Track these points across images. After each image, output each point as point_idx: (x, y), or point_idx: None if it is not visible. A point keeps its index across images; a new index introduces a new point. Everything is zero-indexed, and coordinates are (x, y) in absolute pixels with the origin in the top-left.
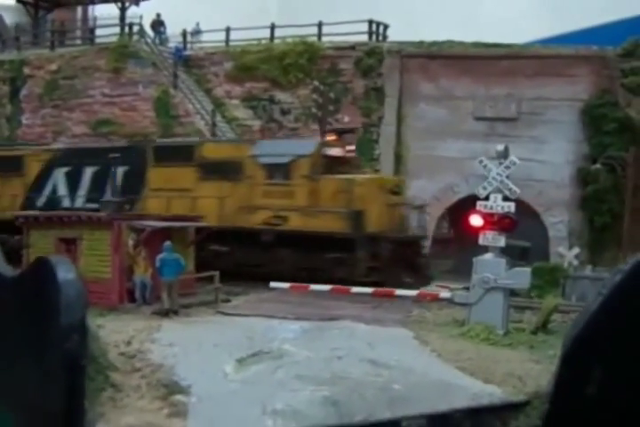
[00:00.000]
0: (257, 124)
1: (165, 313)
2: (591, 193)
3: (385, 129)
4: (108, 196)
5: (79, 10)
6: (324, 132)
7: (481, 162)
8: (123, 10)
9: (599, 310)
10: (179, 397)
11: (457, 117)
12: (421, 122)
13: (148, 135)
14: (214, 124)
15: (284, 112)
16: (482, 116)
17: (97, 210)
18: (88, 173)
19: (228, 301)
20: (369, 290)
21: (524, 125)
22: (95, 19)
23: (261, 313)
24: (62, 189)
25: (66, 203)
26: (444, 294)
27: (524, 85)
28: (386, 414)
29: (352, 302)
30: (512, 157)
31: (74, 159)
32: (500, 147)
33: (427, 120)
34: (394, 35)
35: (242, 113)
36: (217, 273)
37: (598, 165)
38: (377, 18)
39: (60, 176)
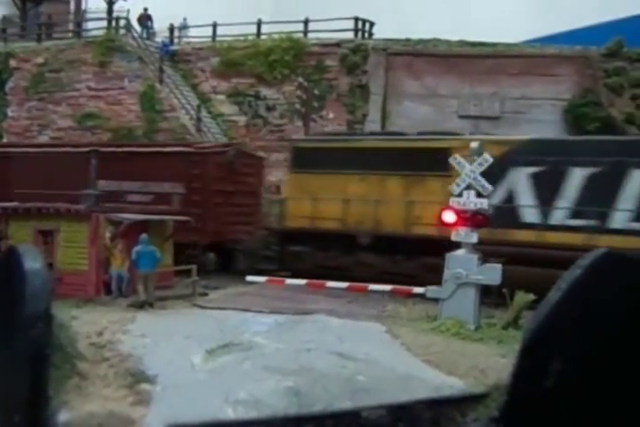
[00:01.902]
0: (242, 119)
1: (141, 305)
2: None
3: (369, 126)
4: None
5: (72, 3)
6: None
7: (455, 159)
8: (110, 4)
9: (558, 303)
10: (144, 386)
11: (441, 115)
12: (406, 119)
13: (132, 129)
14: (199, 120)
15: (270, 108)
16: (466, 114)
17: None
18: (577, 175)
19: (206, 294)
20: (344, 284)
21: (508, 124)
22: (84, 12)
23: (237, 306)
24: (527, 197)
25: (532, 217)
26: (418, 289)
27: (508, 84)
28: (346, 405)
29: (328, 296)
30: (485, 155)
31: (549, 155)
32: (475, 144)
33: (411, 118)
34: (385, 33)
35: (227, 109)
36: (194, 267)
37: None
38: (371, 16)
39: (522, 178)
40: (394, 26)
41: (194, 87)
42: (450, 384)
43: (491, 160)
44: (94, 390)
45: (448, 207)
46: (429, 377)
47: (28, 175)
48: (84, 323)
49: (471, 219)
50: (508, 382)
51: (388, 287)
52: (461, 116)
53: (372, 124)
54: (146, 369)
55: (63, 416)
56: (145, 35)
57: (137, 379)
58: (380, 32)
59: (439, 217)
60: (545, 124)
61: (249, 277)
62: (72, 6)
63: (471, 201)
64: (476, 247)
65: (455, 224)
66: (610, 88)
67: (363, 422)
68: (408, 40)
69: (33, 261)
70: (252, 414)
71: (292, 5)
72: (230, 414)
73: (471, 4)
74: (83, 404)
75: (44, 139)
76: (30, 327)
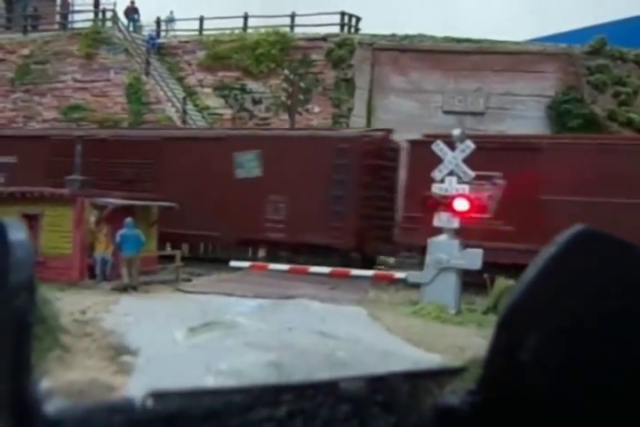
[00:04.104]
0: (228, 112)
1: (124, 289)
2: None
3: (354, 120)
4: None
5: None
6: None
7: (437, 145)
8: None
9: (533, 279)
10: (126, 357)
11: (426, 111)
12: (391, 114)
13: (117, 121)
14: (185, 112)
15: (256, 101)
16: (451, 109)
17: None
18: None
19: (189, 280)
20: (326, 270)
21: (492, 120)
22: (71, 4)
23: (220, 291)
24: None
25: None
26: (399, 274)
27: (493, 80)
28: (325, 376)
29: (312, 282)
30: (467, 142)
31: None
32: (457, 131)
33: (396, 112)
34: (376, 28)
35: (213, 102)
36: (178, 252)
37: None
38: (362, 11)
39: None
40: (384, 21)
41: (180, 80)
42: (428, 359)
43: (473, 146)
44: (76, 361)
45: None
46: (409, 353)
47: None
48: (67, 303)
49: (453, 204)
50: (484, 357)
51: (369, 273)
52: (446, 112)
53: (358, 118)
54: (128, 343)
55: (45, 384)
56: (131, 27)
57: (119, 352)
58: (371, 27)
59: (423, 204)
60: (529, 121)
61: (232, 263)
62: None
63: (453, 187)
64: None
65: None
66: (592, 85)
67: (341, 392)
68: (394, 35)
69: (17, 233)
70: (231, 382)
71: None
72: (211, 381)
73: (462, 2)
74: (64, 373)
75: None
76: (14, 297)
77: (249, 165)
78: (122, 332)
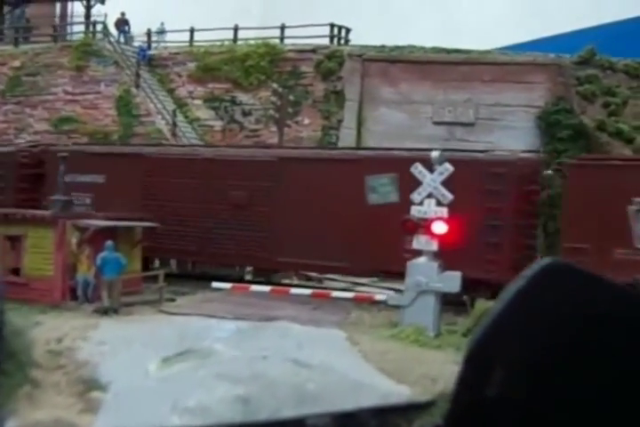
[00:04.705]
0: (218, 124)
1: (105, 311)
2: (545, 199)
3: (344, 132)
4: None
5: (58, 6)
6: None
7: (416, 168)
8: (88, 8)
9: (501, 313)
10: (95, 393)
11: (416, 122)
12: (381, 125)
13: (108, 134)
14: (175, 125)
15: (246, 113)
16: (440, 120)
17: None
18: None
19: (173, 300)
20: (307, 291)
21: (482, 131)
22: (71, 16)
23: (202, 313)
24: None
25: None
26: (380, 296)
27: (482, 91)
28: (292, 413)
29: (294, 303)
30: (446, 164)
31: None
32: (436, 153)
33: (386, 124)
34: (370, 39)
35: (204, 113)
36: (162, 272)
37: (550, 171)
38: (357, 23)
39: None
40: (377, 32)
41: (170, 92)
42: (398, 392)
43: (451, 169)
44: (45, 398)
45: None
46: (379, 385)
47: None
48: (46, 329)
49: (431, 227)
50: (451, 391)
51: (350, 295)
52: (436, 123)
53: (348, 129)
54: (99, 377)
55: (11, 425)
56: (123, 39)
57: (89, 386)
58: (364, 38)
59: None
60: (518, 131)
61: (214, 284)
62: (58, 10)
63: (431, 209)
64: None
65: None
66: (582, 96)
67: None
68: (383, 46)
69: None
70: (197, 422)
71: (281, 11)
72: (176, 421)
73: (457, 10)
74: (31, 412)
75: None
76: None
77: (383, 190)
78: (95, 363)
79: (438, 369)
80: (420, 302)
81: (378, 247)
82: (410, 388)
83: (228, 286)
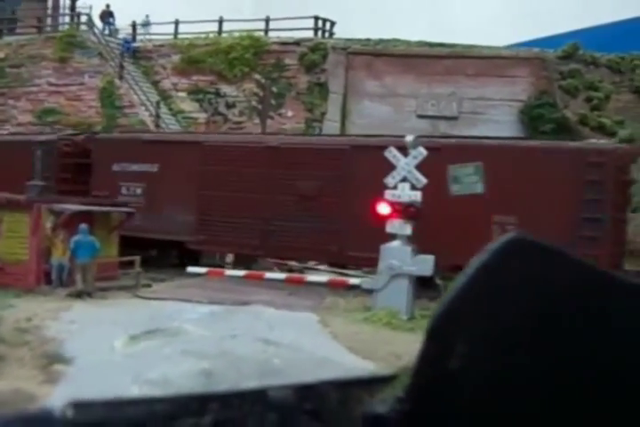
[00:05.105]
0: (202, 116)
1: (78, 295)
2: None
3: (328, 125)
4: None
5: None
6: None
7: (390, 152)
8: (73, 0)
9: (463, 287)
10: (58, 366)
11: (400, 115)
12: (365, 118)
13: (91, 125)
14: (158, 116)
15: (230, 106)
16: (424, 114)
17: None
18: None
19: (149, 286)
20: (282, 276)
21: (465, 124)
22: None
23: (178, 297)
24: None
25: None
26: (354, 280)
27: (466, 85)
28: (253, 385)
29: (270, 288)
30: (420, 148)
31: None
32: (410, 137)
33: (370, 117)
34: (358, 33)
35: (188, 106)
36: (138, 258)
37: None
38: (347, 17)
39: None
40: (364, 26)
41: (155, 84)
42: (362, 367)
43: (425, 153)
44: (8, 371)
45: (382, 199)
46: (344, 361)
47: None
48: (18, 311)
49: (404, 211)
50: (413, 365)
51: (324, 279)
52: (420, 116)
53: (331, 122)
54: (64, 352)
55: None
56: (107, 31)
57: (52, 360)
58: (352, 32)
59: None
60: (502, 125)
61: (189, 269)
62: (50, 2)
63: (405, 193)
64: None
65: (390, 216)
66: (565, 90)
67: (269, 401)
68: (368, 40)
69: None
70: (156, 392)
71: (273, 6)
72: (135, 391)
73: (450, 7)
74: None
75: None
76: None
77: (467, 180)
78: (62, 339)
79: (405, 347)
80: (394, 286)
81: (459, 241)
82: (375, 363)
83: (203, 270)
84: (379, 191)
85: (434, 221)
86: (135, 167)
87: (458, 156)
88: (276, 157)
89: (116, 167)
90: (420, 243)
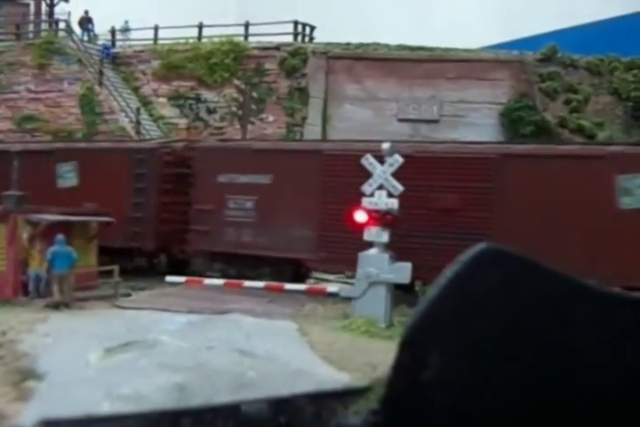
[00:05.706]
0: (183, 122)
1: (56, 306)
2: None
3: (309, 129)
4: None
5: (32, 5)
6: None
7: (366, 160)
8: (51, 6)
9: (436, 298)
10: (30, 383)
11: (381, 119)
12: (346, 122)
13: (71, 132)
14: (138, 123)
15: (210, 111)
16: (405, 117)
17: None
18: None
19: (128, 295)
20: (261, 284)
21: (446, 127)
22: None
23: (157, 307)
24: None
25: None
26: (332, 288)
27: (446, 88)
28: (226, 399)
29: (250, 296)
30: (396, 156)
31: None
32: (386, 145)
33: (351, 121)
34: (340, 37)
35: (168, 111)
36: (116, 267)
37: None
38: (328, 21)
39: None
40: (346, 30)
41: (135, 90)
42: (336, 379)
43: (401, 160)
44: None
45: (359, 207)
46: (319, 372)
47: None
48: None
49: (381, 218)
50: (387, 376)
51: (303, 287)
52: (401, 120)
53: (312, 127)
54: (37, 367)
55: None
56: (87, 37)
57: (25, 376)
58: (333, 36)
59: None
60: (482, 128)
61: (168, 278)
62: (32, 8)
63: (382, 201)
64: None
65: (367, 223)
66: (544, 92)
67: (242, 415)
68: (348, 44)
69: None
70: (128, 408)
71: (257, 11)
72: (106, 407)
73: (431, 9)
74: None
75: None
76: None
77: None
78: (36, 354)
79: (381, 357)
80: (372, 294)
81: (632, 259)
82: (349, 374)
83: (181, 279)
84: (536, 205)
85: (599, 238)
86: (245, 179)
87: (629, 164)
88: (411, 166)
89: (221, 178)
90: (581, 262)
